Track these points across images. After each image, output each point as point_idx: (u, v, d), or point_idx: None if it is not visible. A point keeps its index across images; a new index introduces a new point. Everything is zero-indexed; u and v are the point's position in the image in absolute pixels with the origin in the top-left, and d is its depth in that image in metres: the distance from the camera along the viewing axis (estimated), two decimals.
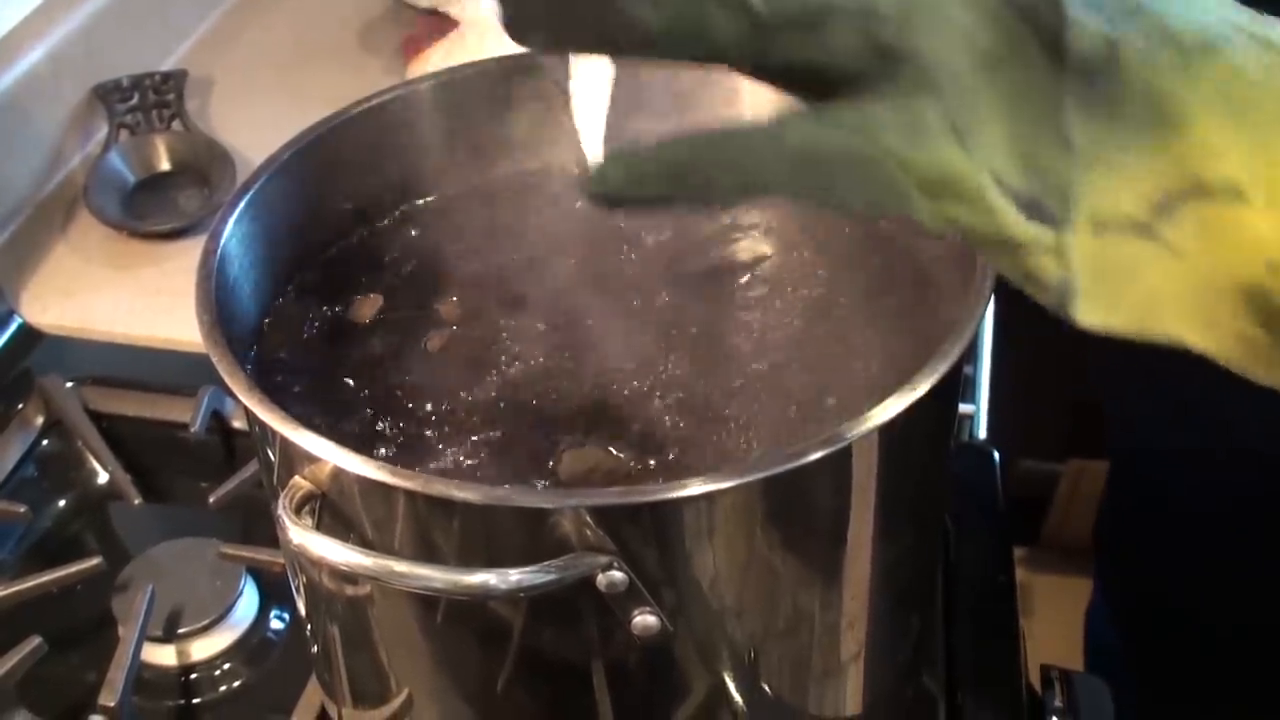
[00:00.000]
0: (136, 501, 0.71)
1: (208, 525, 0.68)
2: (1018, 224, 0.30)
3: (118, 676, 0.59)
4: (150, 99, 0.93)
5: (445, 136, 0.59)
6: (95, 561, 0.65)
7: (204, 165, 0.90)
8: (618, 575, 0.41)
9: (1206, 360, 0.31)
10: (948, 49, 0.29)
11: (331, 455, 0.41)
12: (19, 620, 0.63)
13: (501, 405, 0.50)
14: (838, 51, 0.29)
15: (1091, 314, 0.31)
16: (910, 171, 0.29)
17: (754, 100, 0.56)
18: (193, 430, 0.71)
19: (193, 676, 0.63)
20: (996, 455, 0.71)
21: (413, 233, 0.59)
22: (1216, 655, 0.82)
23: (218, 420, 0.74)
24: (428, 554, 0.43)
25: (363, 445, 0.48)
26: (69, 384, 0.76)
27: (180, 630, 0.63)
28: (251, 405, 0.43)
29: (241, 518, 0.69)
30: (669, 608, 0.42)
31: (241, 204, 0.51)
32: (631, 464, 0.47)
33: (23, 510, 0.69)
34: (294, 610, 0.65)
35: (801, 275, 0.55)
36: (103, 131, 0.92)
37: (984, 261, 0.45)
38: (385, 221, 0.59)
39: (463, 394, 0.51)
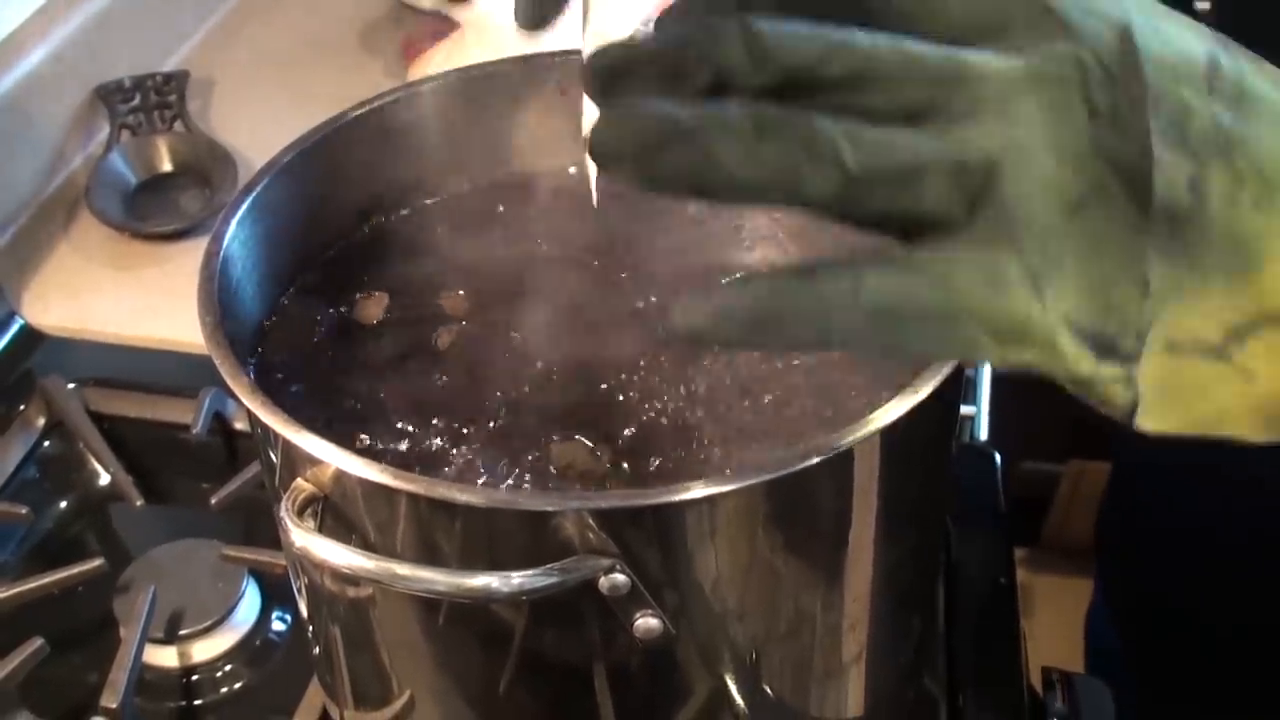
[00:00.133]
0: (138, 503, 0.71)
1: (209, 527, 0.68)
2: (1088, 364, 0.31)
3: (119, 678, 0.59)
4: (152, 100, 0.93)
5: (447, 138, 0.59)
6: (97, 563, 0.65)
7: (206, 166, 0.90)
8: (620, 578, 0.41)
9: None
10: (1034, 198, 0.29)
11: (334, 458, 0.41)
12: (21, 621, 0.63)
13: (500, 398, 0.50)
14: (927, 203, 0.29)
15: (1155, 423, 0.32)
16: (985, 323, 0.30)
17: None
18: (194, 431, 0.71)
19: (194, 678, 0.63)
20: (997, 457, 0.71)
21: (415, 234, 0.59)
22: (1217, 657, 0.82)
23: (219, 421, 0.74)
24: (430, 557, 0.43)
25: (364, 446, 0.49)
26: (71, 385, 0.76)
27: (182, 632, 0.63)
28: (254, 408, 0.43)
29: (243, 519, 0.69)
30: (671, 610, 0.42)
31: (244, 206, 0.51)
32: (608, 465, 0.47)
33: (24, 511, 0.69)
34: (296, 612, 0.65)
35: None
36: (104, 132, 0.92)
37: None
38: (387, 223, 0.59)
39: (462, 394, 0.51)
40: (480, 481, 0.47)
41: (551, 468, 0.48)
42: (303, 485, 0.43)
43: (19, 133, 0.87)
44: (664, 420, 0.49)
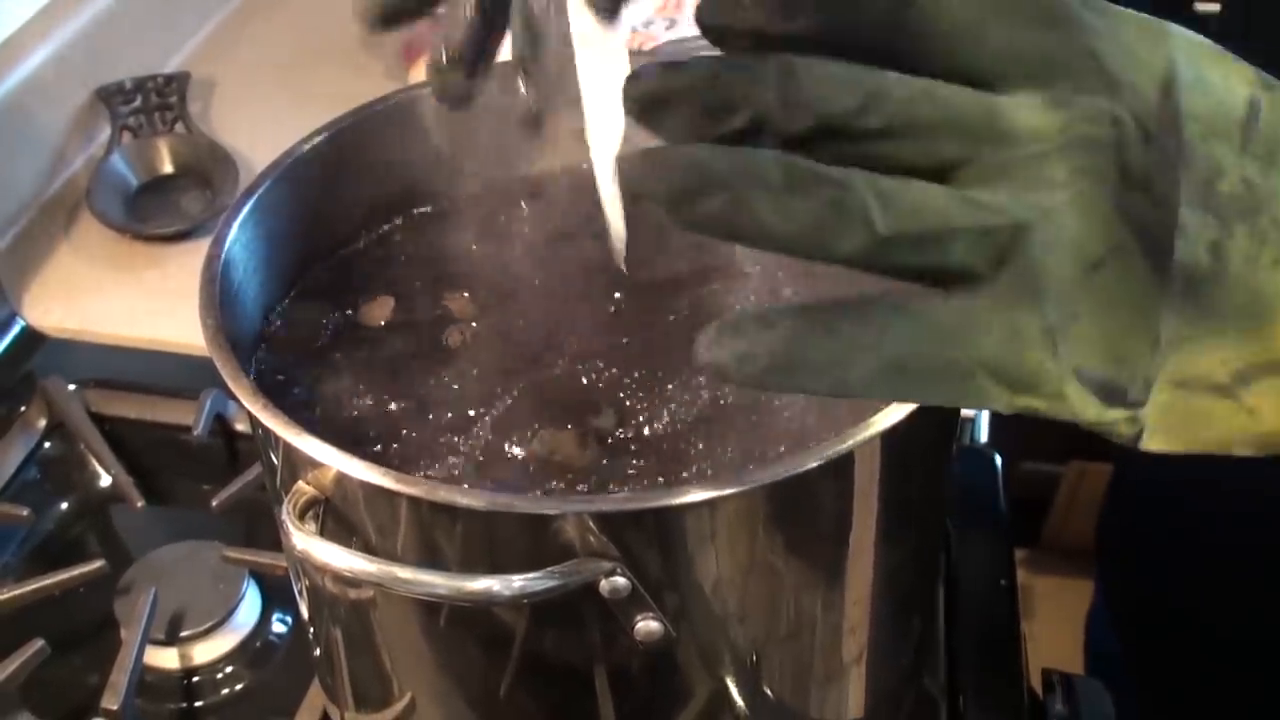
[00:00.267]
0: (139, 504, 0.71)
1: (210, 528, 0.68)
2: (1095, 410, 0.31)
3: (120, 679, 0.59)
4: (153, 101, 0.93)
5: (448, 141, 0.59)
6: (98, 564, 0.65)
7: (207, 168, 0.90)
8: (620, 581, 0.41)
9: None
10: (1056, 258, 0.30)
11: (335, 461, 0.41)
12: (21, 623, 0.63)
13: (501, 397, 0.50)
14: (952, 262, 0.30)
15: (1160, 446, 0.32)
16: (998, 376, 0.30)
17: None
18: (195, 433, 0.71)
19: (195, 679, 0.63)
20: (998, 458, 0.71)
21: (417, 236, 0.59)
22: (1218, 660, 0.82)
23: (220, 423, 0.74)
24: (431, 560, 0.43)
25: (364, 447, 0.49)
26: (71, 386, 0.76)
27: (183, 633, 0.63)
28: (255, 411, 0.43)
29: (244, 521, 0.69)
30: (671, 613, 0.42)
31: (245, 208, 0.51)
32: (589, 461, 0.48)
33: (25, 513, 0.69)
34: (296, 613, 0.65)
35: (810, 283, 0.55)
36: (105, 134, 0.92)
37: None
38: (389, 226, 0.59)
39: (463, 394, 0.51)
40: (481, 476, 0.47)
41: (537, 454, 0.48)
42: (304, 488, 0.43)
43: (20, 134, 0.87)
44: (657, 424, 0.49)
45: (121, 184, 0.90)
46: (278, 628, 0.65)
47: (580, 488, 0.47)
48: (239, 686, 0.63)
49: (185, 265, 0.84)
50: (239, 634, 0.64)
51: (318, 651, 0.54)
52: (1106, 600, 0.95)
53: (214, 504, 0.68)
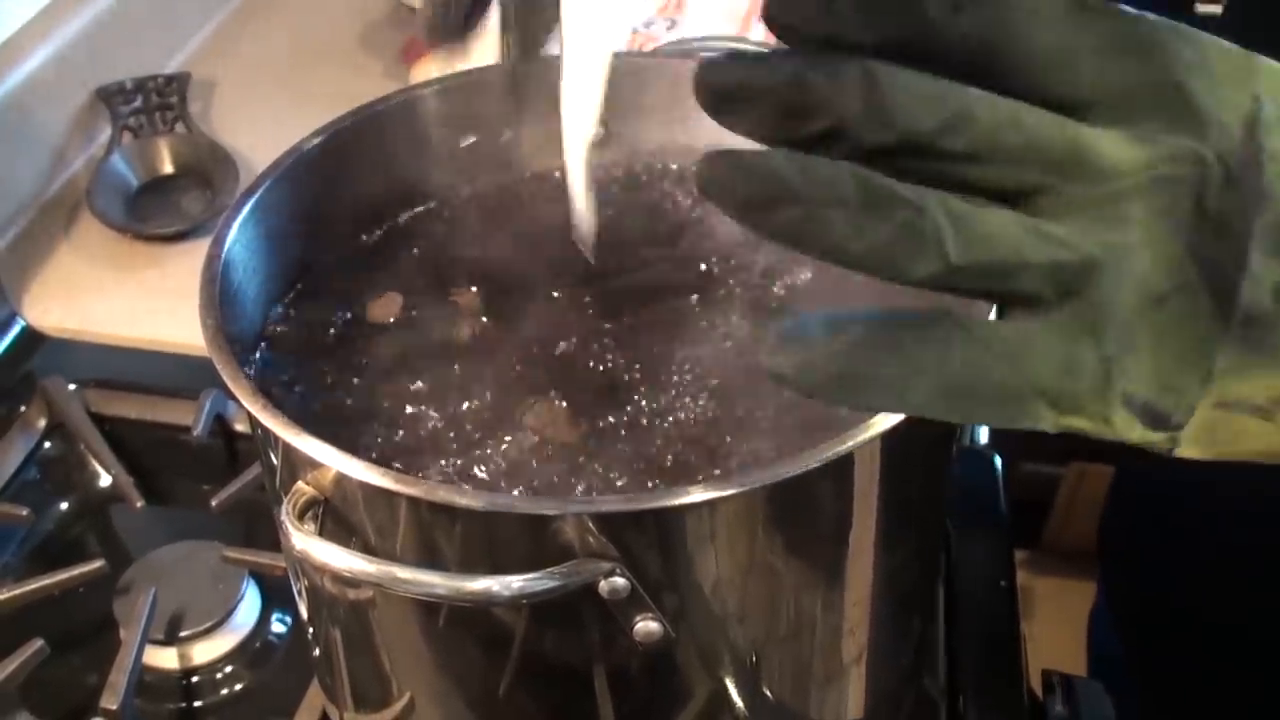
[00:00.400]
0: (139, 504, 0.71)
1: (210, 528, 0.68)
2: (1138, 432, 0.31)
3: (119, 679, 0.59)
4: (153, 101, 0.93)
5: (448, 141, 0.59)
6: (97, 564, 0.65)
7: (207, 168, 0.90)
8: (620, 582, 0.41)
9: None
10: (1121, 293, 0.30)
11: (334, 461, 0.41)
12: (21, 623, 0.63)
13: (501, 395, 0.51)
14: (1020, 289, 0.30)
15: (1192, 454, 0.32)
16: (1050, 400, 0.30)
17: None
18: (195, 433, 0.71)
19: (194, 679, 0.63)
20: (998, 459, 0.71)
21: (416, 236, 0.59)
22: (1220, 658, 0.82)
23: (220, 423, 0.74)
24: (430, 560, 0.43)
25: (363, 448, 0.49)
26: (71, 386, 0.76)
27: (182, 633, 0.63)
28: (255, 411, 0.43)
29: (244, 521, 0.69)
30: (671, 614, 0.42)
31: (245, 208, 0.51)
32: (576, 440, 0.48)
33: (25, 513, 0.69)
34: (296, 614, 0.65)
35: (812, 282, 0.55)
36: (106, 134, 0.92)
37: None
38: (388, 226, 0.59)
39: (462, 395, 0.51)
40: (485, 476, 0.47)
41: (529, 427, 0.48)
42: (303, 488, 0.43)
43: (20, 134, 0.87)
44: (653, 416, 0.49)
45: (122, 184, 0.89)
46: (277, 628, 0.65)
47: (577, 486, 0.47)
48: (238, 687, 0.63)
49: (185, 265, 0.84)
50: (238, 634, 0.64)
51: (317, 652, 0.54)
52: (1108, 601, 0.95)
53: (214, 504, 0.68)
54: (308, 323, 0.55)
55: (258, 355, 0.53)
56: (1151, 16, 0.30)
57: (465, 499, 0.40)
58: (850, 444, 0.40)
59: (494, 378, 0.51)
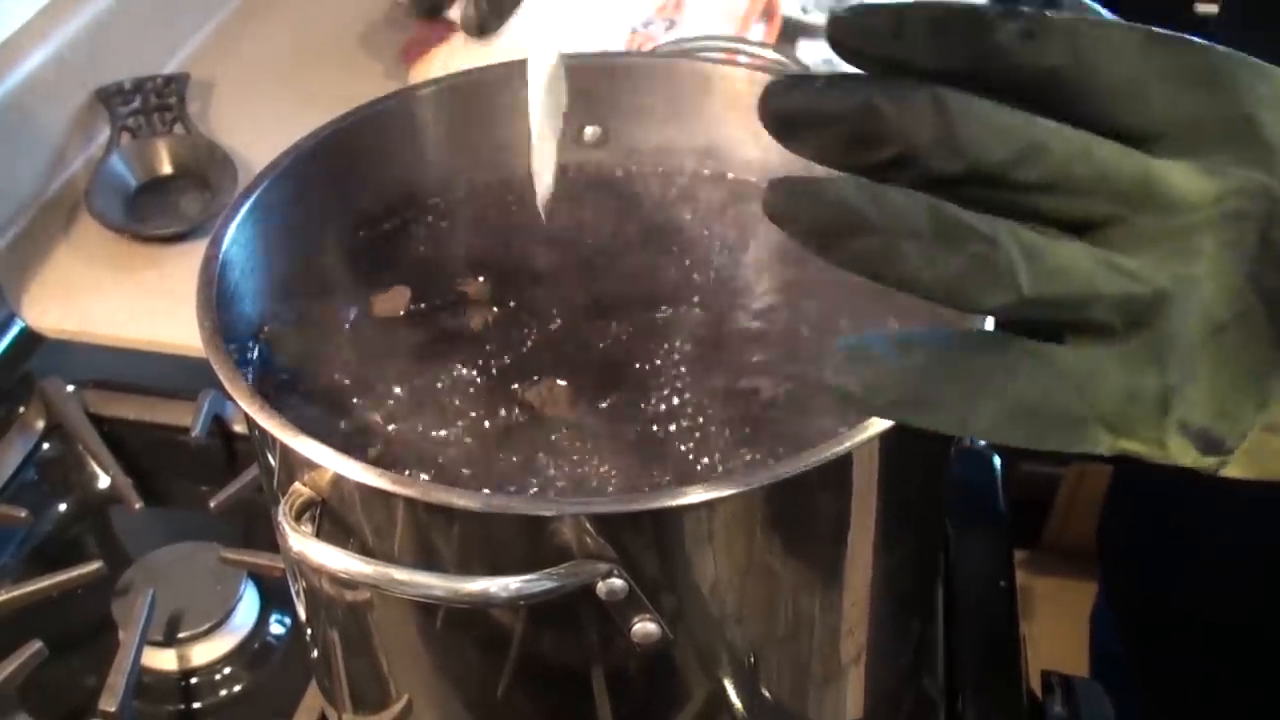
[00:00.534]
0: (137, 505, 0.70)
1: (208, 529, 0.68)
2: (1191, 457, 0.31)
3: (118, 681, 0.59)
4: (152, 102, 0.93)
5: (447, 141, 0.59)
6: (96, 565, 0.65)
7: (205, 169, 0.90)
8: (618, 583, 0.41)
9: None
10: (1188, 325, 0.30)
11: (331, 462, 0.41)
12: (19, 624, 0.63)
13: (501, 394, 0.50)
14: (1090, 320, 0.30)
15: (1234, 473, 0.32)
16: (1110, 426, 0.31)
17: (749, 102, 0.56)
18: (194, 434, 0.71)
19: (193, 681, 0.63)
20: (997, 459, 0.71)
21: (415, 237, 0.59)
22: (1221, 658, 0.82)
23: (218, 424, 0.74)
24: (428, 561, 0.43)
25: (360, 448, 0.49)
26: (70, 387, 0.76)
27: (180, 634, 0.63)
28: (252, 412, 0.43)
29: (242, 522, 0.69)
30: (669, 615, 0.42)
31: (243, 209, 0.51)
32: (575, 422, 0.48)
33: (23, 514, 0.69)
34: (294, 615, 0.65)
35: (812, 280, 0.55)
36: (105, 134, 0.92)
37: None
38: (387, 226, 0.59)
39: (462, 396, 0.51)
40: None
41: (531, 403, 0.48)
42: (301, 489, 0.43)
43: (20, 134, 0.87)
44: (655, 403, 0.50)
45: (120, 184, 0.89)
46: (276, 629, 0.65)
47: (567, 482, 0.47)
48: (237, 688, 0.63)
49: (184, 266, 0.84)
50: (237, 635, 0.64)
51: (315, 653, 0.54)
52: (1109, 601, 0.95)
53: (212, 505, 0.68)
54: (306, 323, 0.55)
55: (255, 356, 0.53)
56: (1221, 48, 0.30)
57: (462, 500, 0.40)
58: (849, 444, 0.40)
59: (493, 377, 0.51)
